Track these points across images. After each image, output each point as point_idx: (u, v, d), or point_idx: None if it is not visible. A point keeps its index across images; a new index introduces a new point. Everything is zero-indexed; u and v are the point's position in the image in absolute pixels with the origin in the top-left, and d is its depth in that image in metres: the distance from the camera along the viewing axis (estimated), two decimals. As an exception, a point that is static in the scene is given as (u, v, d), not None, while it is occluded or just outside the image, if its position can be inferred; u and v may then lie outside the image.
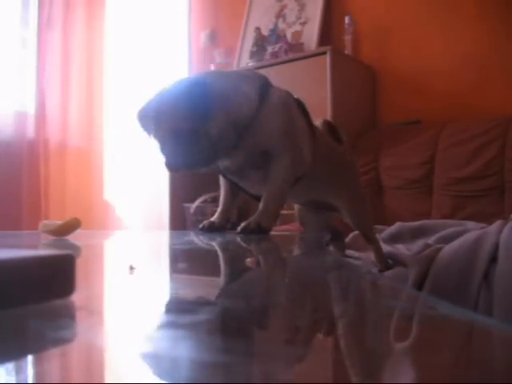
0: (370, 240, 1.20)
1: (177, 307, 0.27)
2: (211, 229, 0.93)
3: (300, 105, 0.95)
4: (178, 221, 2.50)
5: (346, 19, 2.35)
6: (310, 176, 0.95)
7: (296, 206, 1.18)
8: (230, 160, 0.90)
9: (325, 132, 1.08)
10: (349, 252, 1.34)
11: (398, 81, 2.29)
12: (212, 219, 0.96)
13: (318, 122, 1.08)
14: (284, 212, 1.01)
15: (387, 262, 1.24)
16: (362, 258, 1.30)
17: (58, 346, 0.19)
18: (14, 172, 2.39)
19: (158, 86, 0.92)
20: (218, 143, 0.84)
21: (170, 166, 0.87)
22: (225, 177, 0.97)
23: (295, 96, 0.96)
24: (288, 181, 0.90)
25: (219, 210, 0.97)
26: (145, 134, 0.91)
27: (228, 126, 0.84)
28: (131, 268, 0.40)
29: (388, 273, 1.21)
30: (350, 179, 1.13)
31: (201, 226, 0.94)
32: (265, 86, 0.90)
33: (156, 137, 0.88)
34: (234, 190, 0.98)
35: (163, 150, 0.87)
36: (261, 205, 0.87)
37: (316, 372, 0.18)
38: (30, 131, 2.49)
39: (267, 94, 0.89)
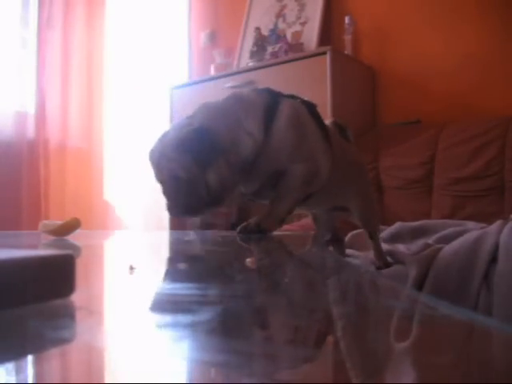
0: (373, 238, 1.20)
1: (177, 307, 0.27)
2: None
3: (311, 108, 0.93)
4: (178, 221, 2.50)
5: (346, 19, 2.35)
6: (326, 183, 0.93)
7: None
8: (244, 188, 0.89)
9: (335, 133, 1.07)
10: (348, 251, 1.34)
11: (398, 81, 2.29)
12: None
13: (326, 122, 1.07)
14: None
15: (386, 260, 1.24)
16: (361, 257, 1.30)
17: (58, 346, 0.19)
18: (14, 172, 2.39)
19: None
20: (220, 190, 0.83)
21: (170, 211, 0.87)
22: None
23: (305, 98, 0.94)
24: (298, 188, 0.88)
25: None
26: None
27: (230, 171, 0.83)
28: (131, 268, 0.40)
29: (388, 272, 1.21)
30: (361, 179, 1.12)
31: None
32: (271, 107, 0.87)
33: (157, 180, 0.88)
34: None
35: (164, 193, 0.87)
36: (267, 208, 0.87)
37: (316, 372, 0.18)
38: (30, 131, 2.49)
39: (274, 117, 0.86)
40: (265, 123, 0.85)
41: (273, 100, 0.88)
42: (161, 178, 0.86)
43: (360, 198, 1.11)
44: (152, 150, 0.88)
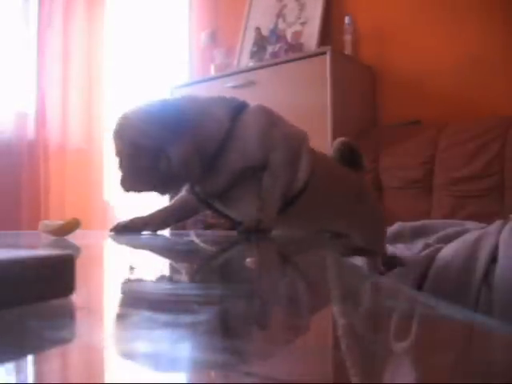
0: (372, 262, 1.15)
1: (177, 307, 0.27)
2: (119, 230, 0.87)
3: None
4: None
5: (346, 19, 2.35)
6: (307, 199, 0.89)
7: None
8: (209, 183, 0.85)
9: (336, 152, 1.01)
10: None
11: (398, 81, 2.29)
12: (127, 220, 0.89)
13: (336, 140, 1.02)
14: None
15: (392, 264, 1.21)
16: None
17: (58, 345, 0.19)
18: (14, 172, 2.39)
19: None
20: (181, 171, 0.79)
21: (123, 183, 0.81)
22: (199, 201, 0.90)
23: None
24: (283, 173, 0.84)
25: (153, 212, 0.90)
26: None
27: (194, 153, 0.79)
28: (131, 268, 0.40)
29: (388, 273, 1.21)
30: (361, 207, 1.03)
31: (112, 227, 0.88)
32: (240, 106, 0.87)
33: (116, 153, 0.83)
34: (190, 206, 0.92)
35: (120, 165, 0.82)
36: (258, 204, 0.84)
37: (315, 372, 0.18)
38: (30, 132, 2.49)
39: (242, 112, 0.85)
40: (232, 115, 0.84)
41: (243, 102, 0.89)
42: (120, 147, 0.82)
43: (361, 226, 1.03)
44: (115, 125, 0.84)
